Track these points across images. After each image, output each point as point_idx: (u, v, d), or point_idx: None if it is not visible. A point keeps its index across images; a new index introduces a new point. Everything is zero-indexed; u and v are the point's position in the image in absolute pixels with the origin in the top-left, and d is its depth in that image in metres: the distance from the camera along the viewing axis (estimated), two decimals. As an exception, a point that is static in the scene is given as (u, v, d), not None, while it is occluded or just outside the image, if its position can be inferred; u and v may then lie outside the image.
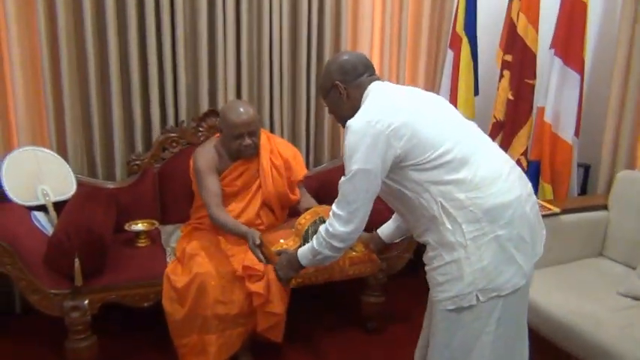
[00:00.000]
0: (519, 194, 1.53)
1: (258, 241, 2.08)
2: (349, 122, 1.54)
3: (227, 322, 2.21)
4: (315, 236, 1.69)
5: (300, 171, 2.59)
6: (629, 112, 2.71)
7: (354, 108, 1.61)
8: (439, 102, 1.68)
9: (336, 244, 1.61)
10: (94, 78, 2.69)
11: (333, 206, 1.60)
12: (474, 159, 1.53)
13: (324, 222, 1.67)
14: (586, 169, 3.10)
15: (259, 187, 2.48)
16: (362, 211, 1.57)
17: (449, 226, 1.50)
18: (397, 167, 1.53)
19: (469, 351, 1.56)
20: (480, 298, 1.50)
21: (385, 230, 2.03)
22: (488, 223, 1.48)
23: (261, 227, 2.46)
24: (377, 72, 3.15)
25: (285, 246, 2.10)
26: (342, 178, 1.56)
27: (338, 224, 1.58)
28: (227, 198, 2.45)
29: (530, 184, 1.62)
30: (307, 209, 2.39)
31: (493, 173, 1.53)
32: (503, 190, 1.51)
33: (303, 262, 1.74)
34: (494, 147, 1.63)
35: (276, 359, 2.45)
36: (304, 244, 1.80)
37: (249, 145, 2.38)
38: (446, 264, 1.52)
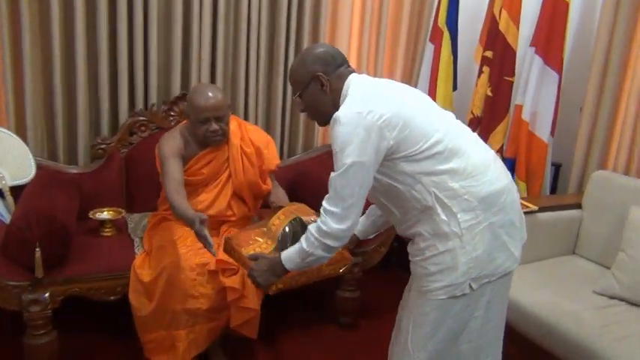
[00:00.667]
0: (507, 181, 1.57)
1: (198, 226, 1.97)
2: (338, 114, 1.46)
3: (198, 316, 2.11)
4: (303, 237, 1.58)
5: (273, 160, 2.46)
6: (603, 113, 2.74)
7: (334, 101, 1.57)
8: (419, 93, 1.66)
9: (330, 243, 1.52)
10: (58, 55, 2.50)
11: (325, 203, 1.52)
12: (464, 148, 1.53)
13: (302, 223, 1.61)
14: (557, 168, 3.15)
15: (229, 176, 2.36)
16: (357, 207, 1.50)
17: (444, 217, 1.49)
18: (388, 159, 1.50)
19: (455, 338, 1.58)
20: (473, 286, 1.51)
21: (359, 226, 1.93)
22: (482, 211, 1.50)
23: (233, 218, 2.36)
24: (355, 62, 3.17)
25: (258, 249, 1.89)
26: (333, 174, 1.49)
27: (332, 222, 1.49)
28: (196, 188, 2.33)
29: (508, 172, 1.65)
30: (275, 203, 2.31)
31: (484, 161, 1.55)
32: (494, 178, 1.53)
33: (289, 265, 1.61)
34: (475, 136, 1.64)
35: (249, 356, 2.37)
36: (282, 247, 1.68)
37: (216, 130, 2.24)
38: (439, 254, 1.50)
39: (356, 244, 2.03)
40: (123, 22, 2.56)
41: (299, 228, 1.81)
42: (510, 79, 2.91)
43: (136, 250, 2.26)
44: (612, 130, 2.77)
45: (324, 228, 1.51)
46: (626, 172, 2.67)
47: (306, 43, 2.94)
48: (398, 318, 1.78)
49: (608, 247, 2.46)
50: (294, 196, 2.96)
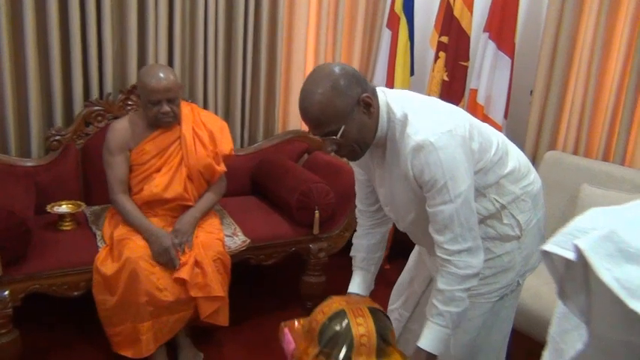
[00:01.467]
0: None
1: (168, 245, 2.07)
2: (425, 139, 1.26)
3: (163, 308, 2.09)
4: (440, 303, 1.33)
5: (227, 144, 2.43)
6: (553, 96, 2.86)
7: (376, 125, 1.35)
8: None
9: (473, 283, 1.35)
10: (5, 41, 2.38)
11: (450, 246, 1.32)
12: (509, 147, 1.49)
13: (345, 317, 1.32)
14: (510, 150, 3.25)
15: (182, 159, 2.32)
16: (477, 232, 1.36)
17: (506, 222, 1.45)
18: None
19: (489, 330, 1.55)
20: (520, 282, 1.53)
21: (362, 282, 1.70)
22: (533, 209, 1.49)
23: (191, 203, 2.33)
24: (313, 50, 3.17)
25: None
26: (447, 207, 1.29)
27: (471, 258, 1.32)
28: (150, 173, 2.29)
29: None
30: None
31: (524, 157, 1.51)
32: (535, 173, 1.53)
33: (440, 349, 1.35)
34: None
35: (216, 343, 2.37)
36: (325, 345, 1.35)
37: (167, 112, 2.22)
38: (496, 257, 1.46)
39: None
40: (75, 8, 2.47)
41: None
42: (465, 63, 2.99)
43: (98, 244, 2.21)
44: (561, 112, 2.89)
45: (468, 272, 1.32)
46: (575, 152, 2.81)
47: (264, 28, 2.92)
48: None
49: (559, 225, 2.57)
50: (255, 184, 2.97)
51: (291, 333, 1.51)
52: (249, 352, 2.35)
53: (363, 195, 1.67)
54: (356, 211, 1.72)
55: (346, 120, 1.30)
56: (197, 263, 2.15)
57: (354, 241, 1.72)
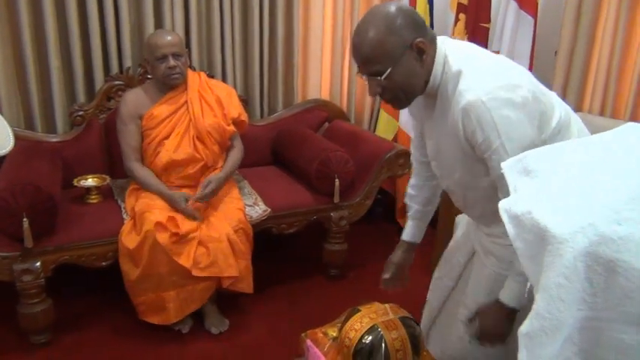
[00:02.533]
0: None
1: (184, 205, 2.15)
2: (474, 99, 1.20)
3: (187, 277, 2.15)
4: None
5: (235, 108, 2.46)
6: (578, 56, 2.78)
7: (428, 74, 1.29)
8: None
9: None
10: (26, 22, 2.42)
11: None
12: (572, 120, 1.37)
13: (379, 332, 1.30)
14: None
15: (190, 121, 2.36)
16: None
17: None
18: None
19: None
20: None
21: (417, 231, 1.71)
22: None
23: (202, 163, 2.37)
24: (331, 18, 3.12)
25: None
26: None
27: None
28: (160, 140, 2.33)
29: None
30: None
31: (586, 132, 1.41)
32: None
33: (521, 303, 1.30)
34: None
35: (240, 310, 2.43)
36: None
37: (174, 67, 2.28)
38: None
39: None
40: (91, -16, 2.49)
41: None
42: (486, 25, 2.91)
43: (123, 216, 2.27)
44: (587, 73, 2.81)
45: None
46: (602, 113, 2.74)
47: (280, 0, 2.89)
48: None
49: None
50: (275, 154, 2.99)
51: (317, 346, 1.50)
52: (274, 318, 2.40)
53: (417, 142, 1.63)
54: (411, 158, 1.70)
55: (395, 62, 1.24)
56: (201, 243, 2.16)
57: (408, 189, 1.70)
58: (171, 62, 2.27)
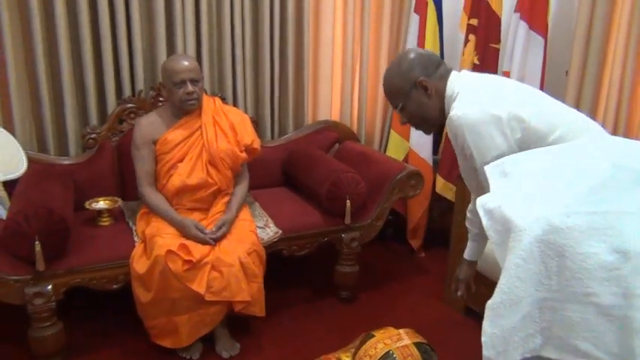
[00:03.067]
0: None
1: (194, 232, 2.17)
2: (453, 114, 1.45)
3: (200, 302, 2.13)
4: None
5: (249, 135, 2.45)
6: (589, 76, 2.76)
7: (440, 104, 1.56)
8: (532, 89, 1.66)
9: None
10: (40, 45, 2.45)
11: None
12: (583, 134, 1.47)
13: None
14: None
15: (203, 146, 2.35)
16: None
17: None
18: None
19: None
20: None
21: (476, 251, 1.87)
22: None
23: (215, 188, 2.36)
24: (340, 37, 3.14)
25: None
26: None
27: None
28: (174, 164, 2.33)
29: None
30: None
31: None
32: None
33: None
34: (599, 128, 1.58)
35: (252, 333, 2.40)
36: None
37: (192, 93, 2.28)
38: None
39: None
40: (104, 7, 2.52)
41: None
42: (496, 46, 2.92)
43: (135, 239, 2.27)
44: (599, 92, 2.79)
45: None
46: (614, 132, 2.72)
47: (290, 19, 2.91)
48: None
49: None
50: (286, 175, 2.99)
51: None
52: (285, 341, 2.37)
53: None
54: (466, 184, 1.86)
55: (405, 97, 1.57)
56: (214, 267, 2.14)
57: (467, 214, 1.84)
58: (190, 88, 2.27)
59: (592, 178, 0.98)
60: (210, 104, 2.41)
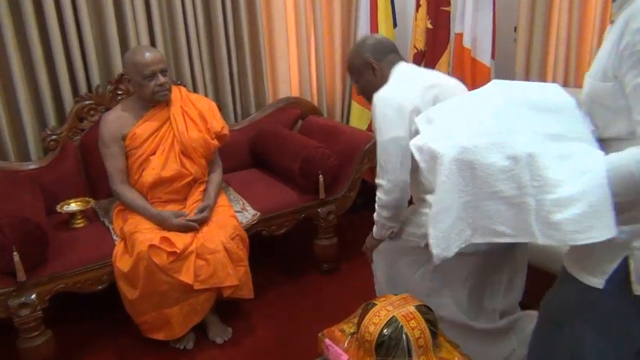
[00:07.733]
0: None
1: (175, 221, 2.18)
2: (374, 96, 1.75)
3: (188, 292, 2.14)
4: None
5: (217, 122, 2.44)
6: (537, 29, 2.87)
7: (383, 84, 1.80)
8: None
9: (383, 214, 1.85)
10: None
11: (376, 178, 1.79)
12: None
13: (398, 324, 1.34)
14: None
15: (174, 137, 2.33)
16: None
17: None
18: None
19: None
20: None
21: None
22: None
23: (190, 178, 2.35)
24: (292, 11, 3.12)
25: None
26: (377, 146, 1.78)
27: (382, 195, 1.79)
28: (147, 157, 2.30)
29: None
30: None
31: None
32: None
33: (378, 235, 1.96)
34: None
35: (244, 315, 2.44)
36: (384, 355, 1.36)
37: (164, 84, 2.25)
38: None
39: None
40: (50, 5, 2.42)
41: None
42: (447, 8, 2.97)
43: (114, 237, 2.24)
44: (547, 45, 2.90)
45: (377, 203, 1.83)
46: (565, 84, 2.84)
47: (243, 4, 2.88)
48: None
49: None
50: (255, 156, 2.99)
51: (336, 344, 1.53)
52: (275, 320, 2.42)
53: None
54: None
55: (358, 74, 1.90)
56: (199, 255, 2.15)
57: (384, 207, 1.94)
58: (161, 79, 2.23)
59: (489, 110, 1.25)
60: (176, 94, 2.38)
